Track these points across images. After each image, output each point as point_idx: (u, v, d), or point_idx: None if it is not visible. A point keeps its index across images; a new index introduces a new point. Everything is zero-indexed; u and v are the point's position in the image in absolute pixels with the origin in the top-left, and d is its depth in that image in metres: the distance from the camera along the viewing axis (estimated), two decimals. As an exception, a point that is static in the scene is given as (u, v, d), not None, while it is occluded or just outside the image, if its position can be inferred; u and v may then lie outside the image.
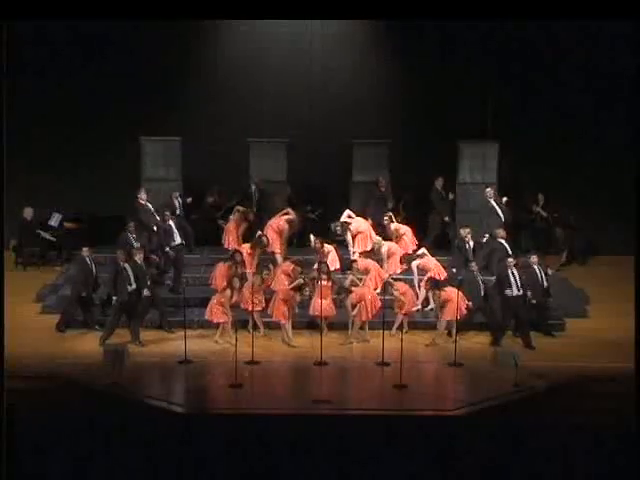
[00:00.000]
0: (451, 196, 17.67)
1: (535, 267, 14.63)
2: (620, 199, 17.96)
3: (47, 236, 18.30)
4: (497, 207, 16.61)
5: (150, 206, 16.74)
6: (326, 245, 15.50)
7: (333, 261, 15.35)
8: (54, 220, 18.53)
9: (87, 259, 14.68)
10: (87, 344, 13.84)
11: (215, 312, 14.00)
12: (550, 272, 15.32)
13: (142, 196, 16.79)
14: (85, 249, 14.76)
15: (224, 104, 18.84)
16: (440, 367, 13.34)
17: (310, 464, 9.91)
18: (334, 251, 15.53)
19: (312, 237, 15.68)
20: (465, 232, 15.95)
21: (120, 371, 12.52)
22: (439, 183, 17.69)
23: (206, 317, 14.09)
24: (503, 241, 15.57)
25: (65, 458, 9.82)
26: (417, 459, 10.00)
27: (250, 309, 14.09)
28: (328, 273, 14.29)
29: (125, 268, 13.99)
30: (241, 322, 14.09)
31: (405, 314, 14.37)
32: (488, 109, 17.34)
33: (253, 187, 17.53)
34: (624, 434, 10.03)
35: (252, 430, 10.67)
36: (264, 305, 14.34)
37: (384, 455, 10.12)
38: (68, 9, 11.24)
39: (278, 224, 16.03)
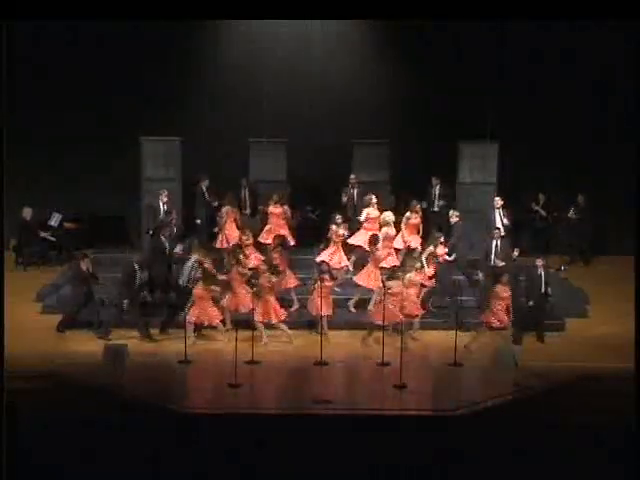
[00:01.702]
0: (435, 205, 17.63)
1: (539, 270, 14.54)
2: (620, 199, 18.01)
3: (47, 236, 18.31)
4: (500, 216, 16.52)
5: (161, 208, 16.73)
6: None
7: (338, 260, 15.52)
8: (54, 220, 18.55)
9: (83, 267, 14.53)
10: (87, 344, 13.84)
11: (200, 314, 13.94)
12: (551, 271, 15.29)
13: (162, 197, 16.79)
14: (86, 260, 14.58)
15: (224, 104, 18.86)
16: (440, 367, 13.33)
17: (310, 464, 9.90)
18: (341, 251, 15.63)
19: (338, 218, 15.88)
20: (452, 214, 16.13)
21: (120, 371, 12.52)
22: (434, 182, 17.80)
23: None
24: (491, 242, 15.54)
25: (65, 458, 9.81)
26: (417, 459, 9.99)
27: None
28: (329, 272, 14.28)
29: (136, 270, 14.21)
30: (243, 322, 14.04)
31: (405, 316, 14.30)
32: (488, 109, 17.32)
33: (243, 191, 17.57)
34: (624, 434, 10.03)
35: (252, 430, 10.67)
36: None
37: (384, 455, 10.11)
38: (68, 9, 11.26)
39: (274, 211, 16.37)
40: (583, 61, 18.73)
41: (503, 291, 13.87)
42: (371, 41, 18.94)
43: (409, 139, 18.45)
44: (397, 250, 15.86)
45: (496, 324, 13.90)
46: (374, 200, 16.28)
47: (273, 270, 14.36)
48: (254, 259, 15.30)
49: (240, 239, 15.67)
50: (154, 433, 10.50)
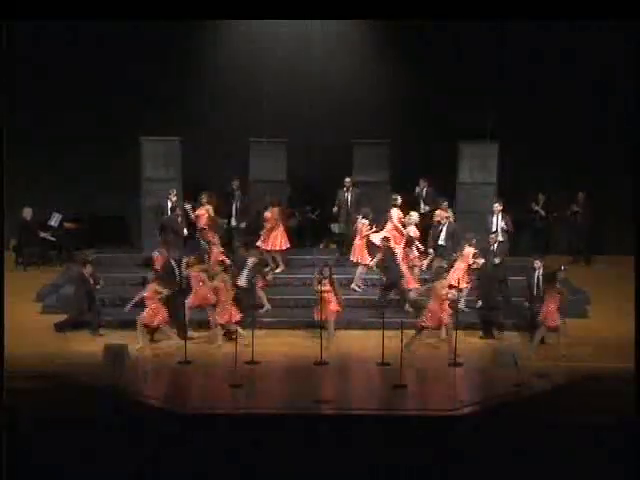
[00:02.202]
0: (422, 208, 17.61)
1: (536, 271, 14.51)
2: (620, 199, 18.01)
3: (47, 236, 18.31)
4: (497, 222, 16.46)
5: (168, 206, 16.81)
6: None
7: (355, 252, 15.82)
8: (54, 220, 18.55)
9: (85, 275, 14.53)
10: (87, 344, 13.85)
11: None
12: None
13: (171, 197, 16.86)
14: (88, 266, 14.56)
15: (224, 104, 18.85)
16: (440, 367, 13.33)
17: (310, 464, 9.90)
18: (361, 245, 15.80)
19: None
20: (441, 214, 16.28)
21: (120, 371, 12.52)
22: (422, 184, 17.87)
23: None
24: (489, 246, 15.54)
25: (65, 458, 9.81)
26: (417, 459, 9.99)
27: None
28: (330, 276, 14.21)
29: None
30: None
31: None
32: (488, 109, 17.31)
33: (235, 203, 17.54)
34: (624, 434, 10.03)
35: (252, 430, 10.67)
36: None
37: (384, 455, 10.11)
38: (68, 9, 11.28)
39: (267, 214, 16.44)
40: (583, 61, 18.72)
41: (557, 291, 13.92)
42: (371, 41, 18.94)
43: (409, 139, 18.44)
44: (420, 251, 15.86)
45: (550, 323, 13.82)
46: (399, 200, 16.34)
47: (228, 270, 14.40)
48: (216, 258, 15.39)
49: (212, 238, 15.87)
50: (154, 433, 10.51)
